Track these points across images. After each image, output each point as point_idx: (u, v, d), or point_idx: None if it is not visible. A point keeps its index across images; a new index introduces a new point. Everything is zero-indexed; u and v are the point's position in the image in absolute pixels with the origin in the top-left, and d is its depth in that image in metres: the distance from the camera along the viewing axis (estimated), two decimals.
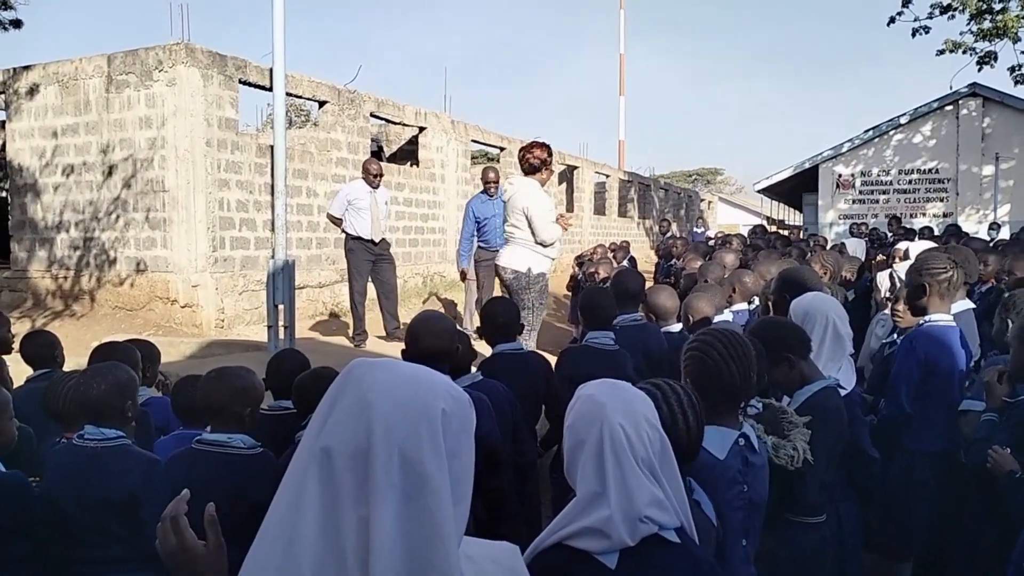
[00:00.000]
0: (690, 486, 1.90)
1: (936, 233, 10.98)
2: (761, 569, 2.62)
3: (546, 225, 5.70)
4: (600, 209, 22.41)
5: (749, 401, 2.37)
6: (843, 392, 2.85)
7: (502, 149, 15.90)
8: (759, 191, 23.40)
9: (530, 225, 5.73)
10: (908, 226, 13.18)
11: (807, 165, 19.47)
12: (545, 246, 5.73)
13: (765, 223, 21.82)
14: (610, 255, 10.49)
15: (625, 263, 11.63)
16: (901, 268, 4.38)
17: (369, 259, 8.13)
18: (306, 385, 2.83)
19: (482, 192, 8.55)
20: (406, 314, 9.32)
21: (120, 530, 2.44)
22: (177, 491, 2.40)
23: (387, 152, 15.55)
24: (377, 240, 8.16)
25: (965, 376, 3.41)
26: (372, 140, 13.83)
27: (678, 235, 17.39)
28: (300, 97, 10.83)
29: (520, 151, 6.03)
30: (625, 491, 1.52)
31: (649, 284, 7.46)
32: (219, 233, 9.03)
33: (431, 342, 2.68)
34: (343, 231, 8.19)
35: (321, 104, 10.94)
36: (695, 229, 17.86)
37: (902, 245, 5.74)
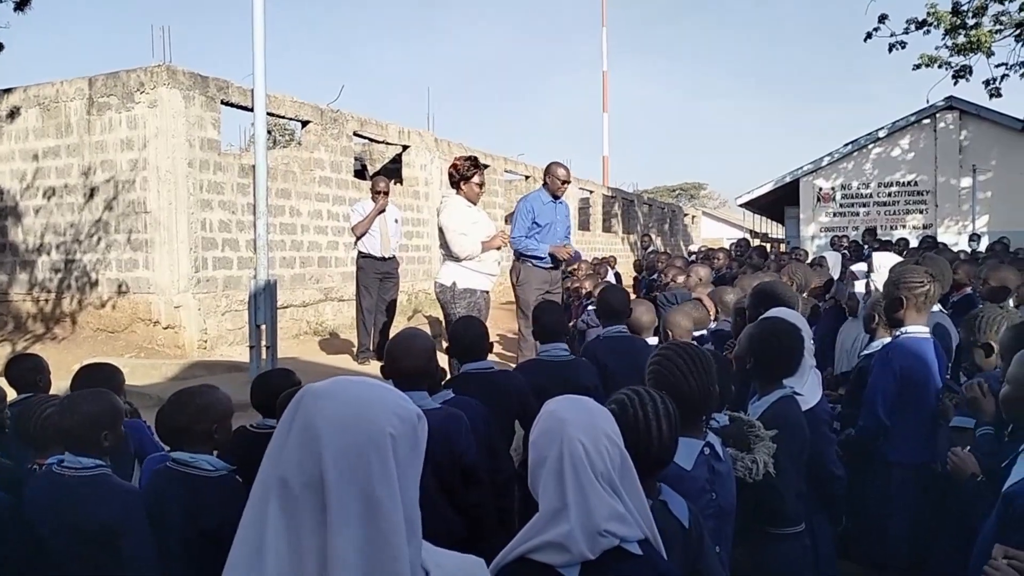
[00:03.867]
0: (658, 488, 1.93)
1: (913, 245, 11.13)
2: None
3: (456, 239, 5.83)
4: (585, 225, 22.54)
5: (711, 413, 2.42)
6: (808, 406, 2.93)
7: (486, 167, 15.97)
8: (741, 205, 23.57)
9: (444, 239, 5.89)
10: (884, 238, 13.34)
11: (788, 179, 19.66)
12: (458, 260, 5.86)
13: (748, 237, 21.98)
14: (593, 270, 10.54)
15: (610, 278, 11.69)
16: (879, 279, 4.45)
17: (377, 276, 8.29)
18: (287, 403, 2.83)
19: (543, 189, 6.68)
20: (391, 332, 9.34)
21: (100, 560, 2.40)
22: (150, 508, 2.41)
23: (371, 171, 15.59)
24: (387, 256, 8.28)
25: (940, 387, 3.45)
26: (355, 159, 13.87)
27: (660, 250, 17.49)
28: (282, 117, 10.87)
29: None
30: (584, 506, 1.54)
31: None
32: (201, 254, 9.02)
33: (410, 363, 2.71)
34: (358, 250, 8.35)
35: (304, 124, 10.98)
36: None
37: (858, 267, 5.84)
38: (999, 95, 15.25)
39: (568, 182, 6.72)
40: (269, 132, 26.72)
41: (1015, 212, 16.97)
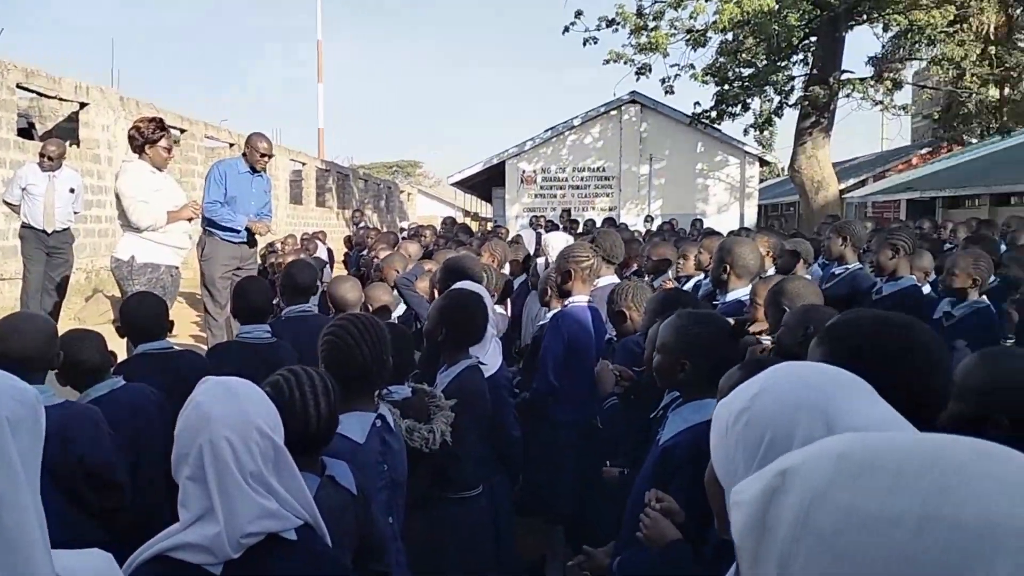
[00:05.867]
0: (323, 464, 1.90)
1: (598, 224, 12.29)
2: (426, 547, 2.73)
3: (136, 207, 5.36)
4: (297, 198, 21.85)
5: (386, 385, 2.43)
6: (490, 373, 3.09)
7: (183, 131, 14.76)
8: (452, 184, 24.30)
9: (121, 208, 5.43)
10: (575, 218, 14.59)
11: (496, 161, 20.61)
12: (139, 231, 5.42)
13: (459, 215, 22.79)
14: (301, 245, 10.24)
15: (321, 253, 11.43)
16: (552, 256, 4.82)
17: (42, 250, 7.39)
18: None
19: (242, 158, 6.18)
20: (67, 315, 8.32)
21: None
22: None
23: (40, 130, 13.65)
24: (50, 230, 7.36)
25: (601, 350, 3.81)
26: (21, 115, 12.07)
27: (372, 226, 17.50)
28: None
29: None
30: (229, 510, 1.45)
31: (342, 274, 7.42)
32: None
33: (18, 344, 2.35)
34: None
35: None
36: None
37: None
38: (672, 92, 17.20)
39: (269, 156, 6.22)
40: None
41: (683, 197, 19.46)
